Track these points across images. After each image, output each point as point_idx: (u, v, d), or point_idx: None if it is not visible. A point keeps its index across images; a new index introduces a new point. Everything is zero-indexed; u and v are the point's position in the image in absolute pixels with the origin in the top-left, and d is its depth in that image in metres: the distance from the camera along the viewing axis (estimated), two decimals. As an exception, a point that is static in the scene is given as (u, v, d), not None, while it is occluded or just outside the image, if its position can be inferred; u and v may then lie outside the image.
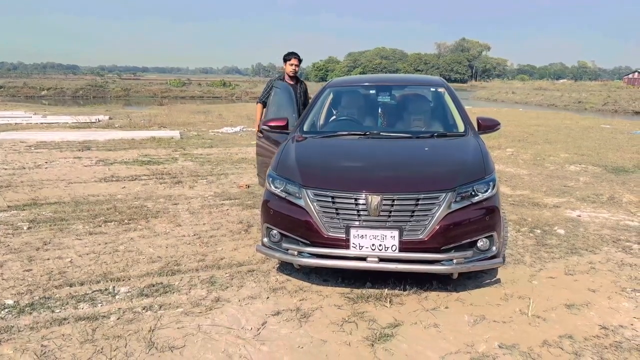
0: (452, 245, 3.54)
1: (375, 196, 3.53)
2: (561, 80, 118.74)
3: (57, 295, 3.78)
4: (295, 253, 3.71)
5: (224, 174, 8.46)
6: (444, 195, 3.56)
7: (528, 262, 4.39)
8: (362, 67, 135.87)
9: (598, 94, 49.56)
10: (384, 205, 3.52)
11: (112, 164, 9.24)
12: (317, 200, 3.67)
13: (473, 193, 3.62)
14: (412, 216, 3.53)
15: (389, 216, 3.53)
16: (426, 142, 4.50)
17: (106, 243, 4.97)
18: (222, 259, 4.55)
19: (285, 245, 3.81)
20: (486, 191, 3.66)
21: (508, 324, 3.28)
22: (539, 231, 5.29)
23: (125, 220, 5.70)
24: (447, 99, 5.26)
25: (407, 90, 5.68)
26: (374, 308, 3.53)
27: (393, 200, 3.54)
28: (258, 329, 3.27)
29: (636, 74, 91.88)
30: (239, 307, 3.60)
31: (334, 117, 5.32)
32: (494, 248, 3.64)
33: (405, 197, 3.55)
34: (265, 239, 4.00)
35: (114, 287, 3.94)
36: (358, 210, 3.56)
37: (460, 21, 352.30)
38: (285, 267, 4.28)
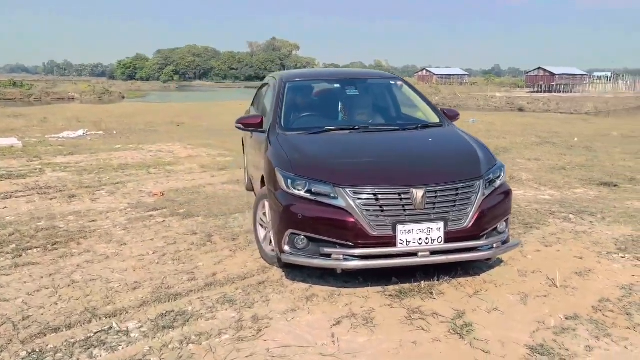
0: (487, 231, 3.68)
1: (419, 190, 3.49)
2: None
3: (49, 346, 2.98)
4: (341, 257, 3.48)
5: (119, 183, 7.48)
6: (478, 182, 3.68)
7: (500, 240, 4.77)
8: (174, 65, 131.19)
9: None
10: (428, 197, 3.50)
11: (-38, 181, 7.50)
12: (359, 199, 3.48)
13: (494, 179, 3.80)
14: (454, 206, 3.56)
15: (434, 208, 3.52)
16: (418, 133, 4.59)
17: (51, 275, 4.07)
18: (214, 274, 4.05)
19: (327, 250, 3.52)
20: (501, 176, 3.88)
21: (552, 297, 3.53)
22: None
23: (49, 246, 4.71)
24: (409, 91, 5.41)
25: (370, 83, 5.68)
26: (423, 301, 3.50)
27: (436, 192, 3.54)
28: (334, 342, 3.00)
29: (424, 71, 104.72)
30: (288, 322, 3.26)
31: (308, 112, 5.06)
32: (507, 230, 3.89)
33: (447, 188, 3.58)
34: (287, 247, 3.67)
35: (116, 324, 3.24)
36: (403, 206, 3.48)
37: (270, 21, 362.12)
38: (298, 274, 3.98)
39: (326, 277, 3.92)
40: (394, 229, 3.44)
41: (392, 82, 5.61)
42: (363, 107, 5.28)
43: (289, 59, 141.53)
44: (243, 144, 7.08)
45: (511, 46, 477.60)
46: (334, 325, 3.21)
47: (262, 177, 4.38)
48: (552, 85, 77.30)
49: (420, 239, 3.46)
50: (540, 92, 67.83)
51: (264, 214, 4.26)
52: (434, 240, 3.48)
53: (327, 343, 3.00)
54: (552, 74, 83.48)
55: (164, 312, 3.42)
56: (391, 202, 3.49)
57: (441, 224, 3.49)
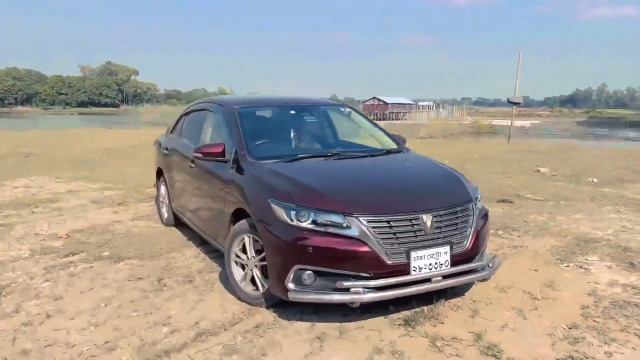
0: (481, 252, 3.84)
1: (427, 215, 3.51)
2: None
3: None
4: (361, 290, 3.31)
5: (2, 226, 6.31)
6: (471, 205, 3.84)
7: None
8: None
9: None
10: (435, 222, 3.53)
11: None
12: (373, 227, 3.37)
13: (477, 200, 4.00)
14: (456, 229, 3.64)
15: (441, 232, 3.55)
16: (392, 159, 4.64)
17: (-14, 345, 3.25)
18: (196, 323, 3.60)
19: (345, 283, 3.32)
20: (480, 198, 4.09)
21: (542, 309, 3.77)
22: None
23: (-42, 310, 3.78)
24: (359, 118, 5.45)
25: (322, 110, 5.55)
26: (435, 327, 3.51)
27: (442, 216, 3.58)
28: (380, 380, 2.85)
29: (375, 100, 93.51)
30: (318, 366, 3.02)
31: (269, 140, 4.78)
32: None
33: (450, 212, 3.65)
34: (292, 284, 3.41)
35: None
36: (415, 232, 3.46)
37: (105, 45, 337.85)
38: (290, 313, 3.72)
39: (321, 313, 3.73)
40: (408, 256, 3.40)
41: (342, 109, 5.62)
42: (321, 134, 5.21)
43: (128, 84, 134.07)
44: (160, 176, 6.45)
45: (345, 77, 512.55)
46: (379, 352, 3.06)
47: (234, 212, 4.06)
48: (386, 113, 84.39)
49: (430, 264, 3.47)
50: (377, 119, 73.58)
51: (241, 250, 3.94)
52: (441, 264, 3.51)
53: (372, 383, 2.84)
54: (386, 103, 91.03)
55: (169, 373, 2.93)
56: (404, 228, 3.44)
57: (447, 248, 3.54)
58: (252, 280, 3.91)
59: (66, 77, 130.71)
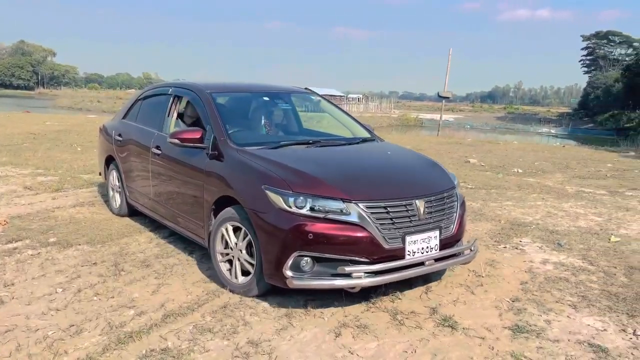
0: (463, 236, 4.07)
1: (420, 200, 3.62)
2: (131, 90, 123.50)
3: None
4: (362, 275, 3.34)
5: None
6: (455, 191, 4.01)
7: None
8: None
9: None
10: (426, 207, 3.65)
11: None
12: (372, 213, 3.43)
13: (457, 187, 4.17)
14: (444, 214, 3.78)
15: (431, 217, 3.68)
16: (371, 147, 4.77)
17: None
18: (162, 305, 3.63)
19: (347, 269, 3.33)
20: (458, 185, 4.24)
21: (487, 285, 4.10)
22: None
23: None
24: (329, 106, 5.50)
25: (295, 98, 5.51)
26: (393, 303, 3.73)
27: (432, 202, 3.71)
28: (352, 353, 3.04)
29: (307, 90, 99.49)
30: (290, 342, 3.16)
31: (247, 127, 4.79)
32: None
33: (439, 197, 3.79)
34: (290, 272, 3.39)
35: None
36: (409, 217, 3.56)
37: (17, 22, 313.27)
38: (264, 295, 3.82)
39: (285, 293, 3.85)
40: (403, 241, 3.49)
41: (313, 97, 5.57)
42: (295, 122, 5.25)
43: (44, 65, 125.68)
44: (112, 162, 6.11)
45: (276, 67, 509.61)
46: (336, 337, 3.23)
47: (216, 200, 3.99)
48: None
49: (422, 248, 3.58)
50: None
51: (225, 241, 3.93)
52: (432, 248, 3.63)
53: (346, 355, 3.02)
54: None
55: (143, 353, 2.97)
56: (400, 214, 3.52)
57: (437, 232, 3.67)
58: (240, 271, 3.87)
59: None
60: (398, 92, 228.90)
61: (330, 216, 3.39)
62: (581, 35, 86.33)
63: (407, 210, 3.55)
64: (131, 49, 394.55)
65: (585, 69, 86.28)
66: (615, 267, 4.60)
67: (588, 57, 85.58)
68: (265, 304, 3.68)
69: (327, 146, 4.54)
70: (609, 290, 4.07)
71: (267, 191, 3.53)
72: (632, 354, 3.12)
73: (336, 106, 5.59)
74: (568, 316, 3.60)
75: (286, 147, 4.29)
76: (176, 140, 4.24)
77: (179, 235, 5.11)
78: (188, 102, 5.07)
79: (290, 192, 3.45)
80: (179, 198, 4.62)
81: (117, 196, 6.03)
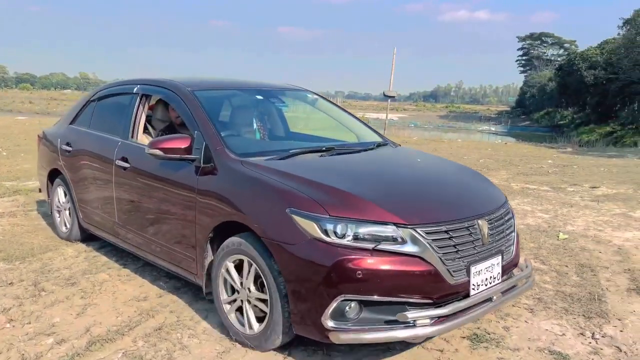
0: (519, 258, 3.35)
1: (482, 220, 2.90)
2: (67, 91, 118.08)
3: None
4: (428, 322, 2.60)
5: None
6: (508, 206, 3.32)
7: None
8: None
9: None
10: (489, 228, 2.93)
11: None
12: (433, 239, 2.66)
13: None
14: (504, 235, 3.08)
15: (494, 240, 2.98)
16: (393, 153, 4.01)
17: None
18: (87, 330, 3.21)
19: (410, 315, 2.56)
20: None
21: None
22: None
23: None
24: (328, 105, 4.76)
25: (289, 97, 4.71)
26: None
27: (494, 221, 3.01)
28: None
29: None
30: None
31: (241, 132, 4.01)
32: None
33: (498, 215, 3.09)
34: (331, 322, 2.58)
35: None
36: (473, 242, 2.82)
37: None
38: (194, 308, 3.47)
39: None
40: (468, 272, 2.75)
41: (310, 96, 4.70)
42: (284, 123, 4.61)
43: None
44: (57, 177, 5.07)
45: (221, 67, 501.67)
46: (286, 357, 2.94)
47: (216, 227, 3.13)
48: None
49: (486, 279, 2.85)
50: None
51: (230, 278, 3.09)
52: (495, 278, 2.91)
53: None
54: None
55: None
56: (463, 238, 2.78)
57: (499, 258, 2.96)
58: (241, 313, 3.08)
59: None
60: (344, 92, 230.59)
61: (382, 247, 2.59)
62: (517, 36, 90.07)
63: (470, 234, 2.81)
64: (66, 49, 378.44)
65: (522, 68, 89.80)
66: (567, 266, 4.54)
67: (524, 57, 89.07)
68: (205, 324, 3.34)
69: (344, 154, 3.68)
70: (563, 290, 3.98)
71: (294, 216, 2.70)
72: (592, 359, 3.00)
73: (337, 106, 4.78)
74: (526, 321, 3.46)
75: (298, 157, 3.41)
76: (157, 151, 3.33)
77: (112, 246, 4.67)
78: (160, 102, 4.34)
79: (327, 216, 2.64)
80: (157, 223, 3.70)
81: (66, 218, 5.02)
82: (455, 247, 2.73)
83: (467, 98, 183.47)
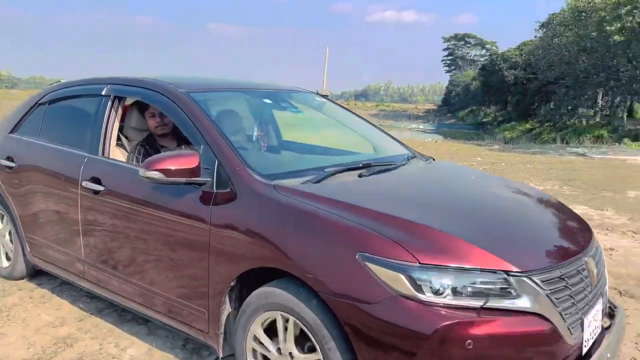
0: None
1: (590, 258, 2.34)
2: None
3: None
4: None
5: None
6: (594, 234, 2.69)
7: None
8: None
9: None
10: (596, 266, 2.39)
11: None
12: (551, 289, 2.05)
13: None
14: (603, 272, 2.53)
15: (599, 281, 2.41)
16: (432, 168, 3.38)
17: None
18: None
19: None
20: None
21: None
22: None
23: None
24: (338, 109, 4.03)
25: (295, 99, 3.95)
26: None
27: (596, 257, 2.44)
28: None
29: None
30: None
31: (247, 147, 3.26)
32: None
33: (598, 250, 2.54)
34: None
35: None
36: (585, 286, 2.23)
37: None
38: (117, 333, 3.11)
39: (157, 332, 3.20)
40: (582, 327, 2.15)
41: (318, 99, 3.96)
42: (276, 131, 3.97)
43: None
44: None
45: (151, 66, 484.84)
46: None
47: (241, 274, 2.37)
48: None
49: (593, 330, 2.27)
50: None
51: (259, 342, 2.36)
52: (598, 327, 2.34)
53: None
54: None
55: None
56: (577, 285, 2.19)
57: (601, 302, 2.38)
58: None
59: None
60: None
61: (491, 304, 1.94)
62: (442, 37, 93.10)
63: (581, 278, 2.22)
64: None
65: (447, 68, 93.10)
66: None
67: (449, 57, 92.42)
68: (132, 351, 2.99)
69: (383, 171, 2.93)
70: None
71: (368, 263, 2.00)
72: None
73: (348, 110, 4.06)
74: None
75: (332, 178, 2.64)
76: (156, 174, 2.46)
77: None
78: (134, 107, 3.58)
79: (417, 264, 1.95)
80: (147, 263, 2.83)
81: (5, 250, 4.08)
82: (572, 297, 2.13)
83: (396, 97, 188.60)
